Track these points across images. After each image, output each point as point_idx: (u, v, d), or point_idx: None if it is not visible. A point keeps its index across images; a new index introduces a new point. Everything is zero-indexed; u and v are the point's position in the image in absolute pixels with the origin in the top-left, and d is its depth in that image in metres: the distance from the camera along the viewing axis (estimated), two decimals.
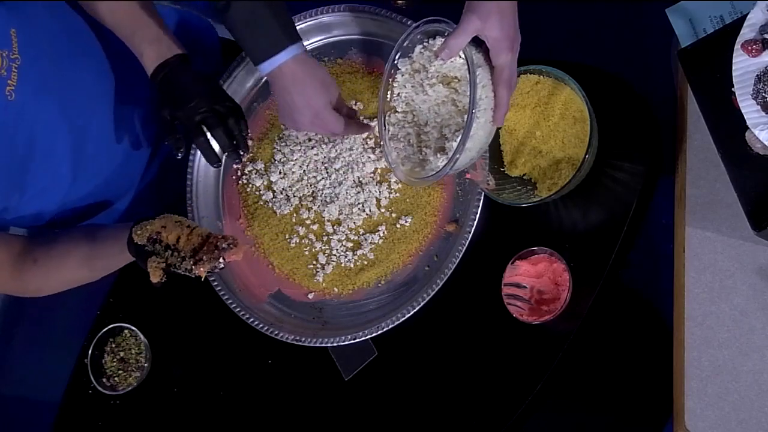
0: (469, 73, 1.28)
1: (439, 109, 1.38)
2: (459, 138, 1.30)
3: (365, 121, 1.56)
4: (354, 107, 1.57)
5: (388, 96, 1.42)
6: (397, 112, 1.42)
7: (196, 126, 1.45)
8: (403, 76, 1.40)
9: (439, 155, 1.37)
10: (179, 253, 1.40)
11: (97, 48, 1.54)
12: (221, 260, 1.38)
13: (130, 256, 1.46)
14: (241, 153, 1.48)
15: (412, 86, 1.40)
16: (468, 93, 1.28)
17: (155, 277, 1.41)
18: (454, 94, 1.37)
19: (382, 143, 1.43)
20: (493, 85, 1.30)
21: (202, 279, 1.40)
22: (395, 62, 1.40)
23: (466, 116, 1.30)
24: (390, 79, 1.41)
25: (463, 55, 1.30)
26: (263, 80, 1.68)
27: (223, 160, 1.53)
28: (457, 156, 1.29)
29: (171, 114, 1.46)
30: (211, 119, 1.44)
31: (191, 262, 1.39)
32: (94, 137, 1.55)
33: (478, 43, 1.30)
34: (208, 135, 1.46)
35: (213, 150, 1.47)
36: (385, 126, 1.43)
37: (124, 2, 1.48)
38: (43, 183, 1.52)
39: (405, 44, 1.38)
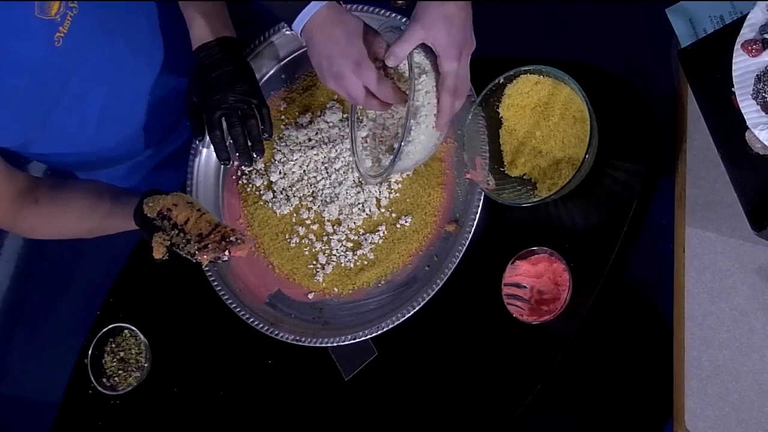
0: (410, 79, 1.29)
1: (396, 108, 1.39)
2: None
3: (327, 115, 1.51)
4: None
5: None
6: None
7: (215, 120, 1.45)
8: None
9: (388, 155, 1.38)
10: (185, 235, 1.40)
11: (154, 11, 1.56)
12: (226, 253, 1.38)
13: (133, 224, 1.46)
14: (255, 156, 1.47)
15: None
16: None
17: (158, 252, 1.40)
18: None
19: (351, 136, 1.43)
20: (437, 92, 1.31)
21: (203, 266, 1.39)
22: None
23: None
24: None
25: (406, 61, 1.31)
26: (263, 81, 1.68)
27: (232, 160, 1.53)
28: (397, 160, 1.31)
29: (197, 99, 1.46)
30: (232, 117, 1.44)
31: (196, 247, 1.39)
32: (127, 95, 1.57)
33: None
34: (226, 130, 1.46)
35: (225, 147, 1.47)
36: (355, 119, 1.43)
37: None
38: (68, 126, 1.52)
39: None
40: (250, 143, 1.50)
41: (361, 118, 1.45)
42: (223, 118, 1.47)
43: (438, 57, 1.30)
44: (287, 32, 1.65)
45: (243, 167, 1.59)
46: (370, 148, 1.44)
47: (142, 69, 1.57)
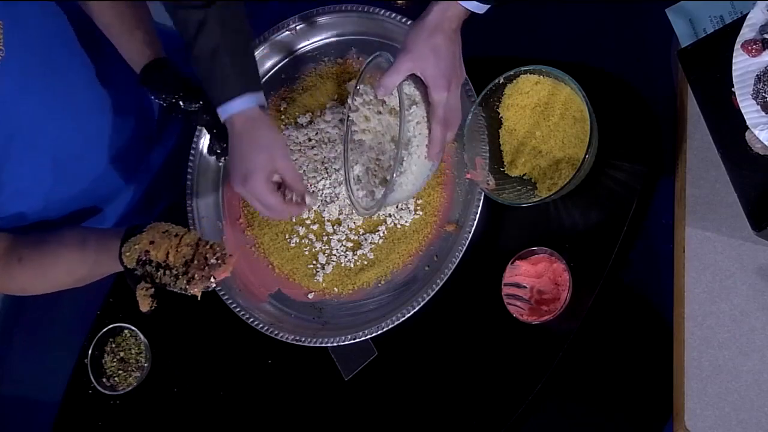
0: (400, 110, 1.30)
1: (389, 141, 1.42)
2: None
3: (308, 199, 1.47)
4: (308, 192, 1.47)
5: (352, 118, 1.44)
6: (355, 137, 1.44)
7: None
8: (362, 102, 1.42)
9: (381, 187, 1.39)
10: (171, 271, 1.38)
11: (88, 52, 1.54)
12: (212, 279, 1.37)
13: (120, 266, 1.45)
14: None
15: (365, 115, 1.43)
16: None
17: (144, 306, 1.39)
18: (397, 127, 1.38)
19: (344, 171, 1.45)
20: (428, 123, 1.32)
21: (198, 299, 1.37)
22: (357, 88, 1.41)
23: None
24: (353, 103, 1.43)
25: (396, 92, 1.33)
26: (263, 80, 1.68)
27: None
28: (389, 192, 1.32)
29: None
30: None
31: (185, 281, 1.37)
32: (78, 139, 1.54)
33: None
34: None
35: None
36: (348, 155, 1.45)
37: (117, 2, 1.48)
38: (22, 182, 1.50)
39: (366, 75, 1.41)
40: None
41: (353, 150, 1.46)
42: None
43: (428, 88, 1.31)
44: (287, 32, 1.65)
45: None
46: (364, 181, 1.45)
47: (85, 109, 1.54)
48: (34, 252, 1.51)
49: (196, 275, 1.37)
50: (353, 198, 1.43)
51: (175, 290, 1.39)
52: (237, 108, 1.38)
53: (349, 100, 1.43)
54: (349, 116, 1.44)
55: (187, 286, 1.37)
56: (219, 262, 1.37)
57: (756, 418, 1.27)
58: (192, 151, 1.66)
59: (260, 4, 1.55)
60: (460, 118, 1.37)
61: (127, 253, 1.41)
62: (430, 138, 1.33)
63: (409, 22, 1.55)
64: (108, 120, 1.58)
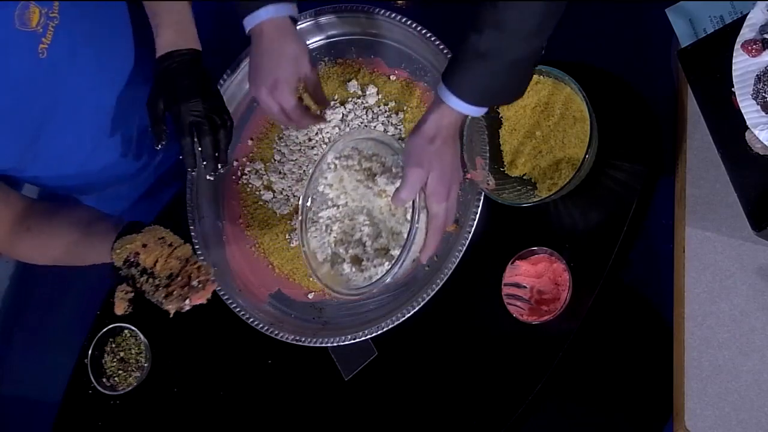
0: (411, 220, 1.34)
1: (362, 222, 1.47)
2: (387, 265, 1.39)
3: (328, 115, 1.57)
4: (327, 103, 1.56)
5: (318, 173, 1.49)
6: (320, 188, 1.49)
7: (187, 126, 1.43)
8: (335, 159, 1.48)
9: (354, 267, 1.44)
10: (154, 280, 1.36)
11: (135, 24, 1.55)
12: (187, 302, 1.35)
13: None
14: (220, 167, 1.46)
15: (342, 177, 1.48)
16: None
17: (119, 308, 1.37)
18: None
19: (300, 221, 1.49)
20: (427, 228, 1.36)
21: (170, 316, 1.36)
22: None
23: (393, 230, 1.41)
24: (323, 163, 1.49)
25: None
26: None
27: (198, 167, 1.49)
28: (380, 283, 1.38)
29: (166, 106, 1.44)
30: (204, 125, 1.43)
31: (163, 294, 1.35)
32: (118, 108, 1.55)
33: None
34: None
35: (194, 154, 1.45)
36: (307, 206, 1.50)
37: None
38: (63, 145, 1.51)
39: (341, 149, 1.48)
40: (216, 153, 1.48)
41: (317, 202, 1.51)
42: (194, 126, 1.45)
43: (426, 197, 1.34)
44: None
45: (209, 176, 1.52)
46: (338, 249, 1.50)
47: (132, 79, 1.55)
48: (43, 224, 1.52)
49: (174, 291, 1.35)
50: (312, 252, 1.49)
51: (151, 300, 1.37)
52: (269, 14, 1.40)
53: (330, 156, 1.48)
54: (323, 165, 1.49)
55: (163, 300, 1.35)
56: (199, 286, 1.35)
57: (756, 418, 1.27)
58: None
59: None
60: (454, 217, 1.41)
61: (118, 251, 1.40)
62: (425, 243, 1.37)
63: (409, 22, 1.55)
64: (145, 92, 1.56)
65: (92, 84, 1.48)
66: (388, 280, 1.38)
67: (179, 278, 1.36)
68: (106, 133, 1.56)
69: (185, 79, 1.45)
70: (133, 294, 1.38)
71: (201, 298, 1.36)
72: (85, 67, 1.45)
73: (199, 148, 1.45)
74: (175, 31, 1.47)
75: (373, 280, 1.42)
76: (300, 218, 1.50)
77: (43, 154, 1.50)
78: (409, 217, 1.36)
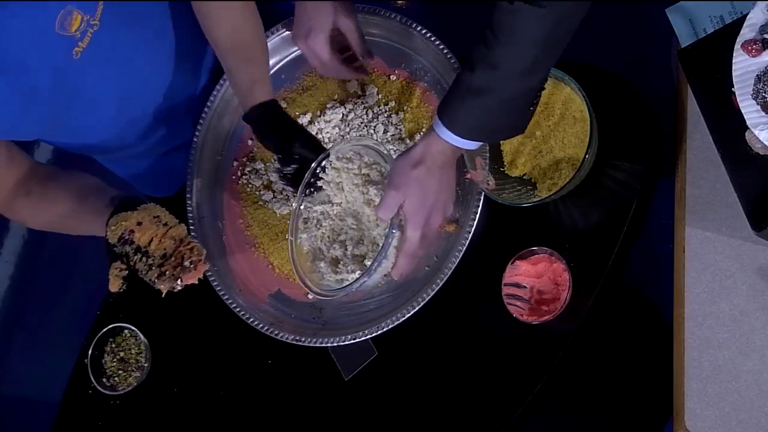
0: (387, 234, 1.36)
1: (361, 211, 1.47)
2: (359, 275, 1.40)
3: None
4: (367, 53, 1.58)
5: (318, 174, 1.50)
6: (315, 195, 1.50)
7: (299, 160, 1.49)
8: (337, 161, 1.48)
9: (330, 270, 1.45)
10: (148, 259, 1.36)
11: (171, 35, 1.58)
12: (179, 282, 1.35)
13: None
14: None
15: (337, 182, 1.49)
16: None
17: (113, 286, 1.36)
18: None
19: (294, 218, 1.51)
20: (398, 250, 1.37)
21: (162, 296, 1.36)
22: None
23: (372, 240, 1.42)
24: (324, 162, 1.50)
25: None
26: None
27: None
28: (350, 289, 1.39)
29: (288, 147, 1.49)
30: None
31: (156, 274, 1.35)
32: (141, 98, 1.58)
33: None
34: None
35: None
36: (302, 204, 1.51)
37: (248, 29, 1.53)
38: (83, 125, 1.54)
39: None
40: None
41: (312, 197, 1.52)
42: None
43: (404, 220, 1.34)
44: (287, 32, 1.65)
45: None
46: (320, 245, 1.51)
47: (156, 71, 1.59)
48: (43, 188, 1.53)
49: (167, 271, 1.35)
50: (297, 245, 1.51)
51: (144, 279, 1.37)
52: None
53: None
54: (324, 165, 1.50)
55: (156, 280, 1.35)
56: (191, 266, 1.35)
57: (756, 418, 1.27)
58: (192, 151, 1.66)
59: (261, 4, 1.55)
60: (433, 248, 1.43)
61: (113, 227, 1.38)
62: (396, 264, 1.38)
63: (408, 22, 1.55)
64: (170, 80, 1.62)
65: (117, 79, 1.51)
66: (354, 288, 1.39)
67: (173, 258, 1.35)
68: (124, 117, 1.59)
69: (294, 123, 1.53)
70: (127, 272, 1.37)
71: (192, 278, 1.36)
72: (114, 68, 1.49)
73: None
74: (268, 83, 1.54)
75: (343, 284, 1.43)
76: (295, 206, 1.51)
77: (62, 130, 1.53)
78: None
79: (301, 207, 1.51)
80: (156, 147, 1.72)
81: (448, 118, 1.25)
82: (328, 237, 1.50)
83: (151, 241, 1.36)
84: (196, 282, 1.36)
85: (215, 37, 1.53)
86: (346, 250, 1.47)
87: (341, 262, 1.47)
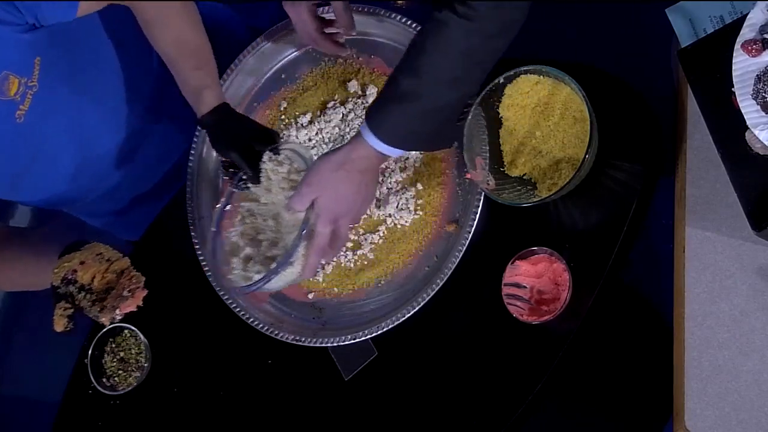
0: (300, 228, 1.35)
1: (269, 215, 1.46)
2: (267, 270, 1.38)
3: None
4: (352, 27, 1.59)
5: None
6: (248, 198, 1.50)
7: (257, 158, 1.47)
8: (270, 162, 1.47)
9: (250, 266, 1.44)
10: (91, 295, 1.39)
11: (117, 70, 1.58)
12: (117, 311, 1.37)
13: None
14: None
15: (266, 187, 1.48)
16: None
17: (58, 326, 1.39)
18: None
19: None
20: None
21: (106, 327, 1.40)
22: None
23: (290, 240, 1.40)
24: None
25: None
26: (263, 81, 1.69)
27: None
28: (259, 285, 1.37)
29: (244, 149, 1.47)
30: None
31: (98, 309, 1.37)
32: (98, 149, 1.58)
33: None
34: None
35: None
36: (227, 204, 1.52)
37: (195, 35, 1.51)
38: (42, 186, 1.55)
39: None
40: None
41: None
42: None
43: (314, 215, 1.34)
44: (287, 32, 1.65)
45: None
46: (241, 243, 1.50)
47: (109, 119, 1.59)
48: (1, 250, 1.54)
49: (108, 304, 1.37)
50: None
51: (89, 315, 1.39)
52: None
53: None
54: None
55: (99, 314, 1.38)
56: (129, 294, 1.37)
57: (756, 418, 1.27)
58: (192, 153, 1.66)
59: (260, 4, 1.55)
60: (341, 249, 1.43)
61: (56, 270, 1.42)
62: (306, 262, 1.37)
63: (409, 22, 1.55)
64: (125, 122, 1.62)
65: (71, 135, 1.51)
66: (253, 288, 1.38)
67: (114, 291, 1.39)
68: (84, 173, 1.60)
69: (246, 121, 1.51)
70: (71, 310, 1.40)
71: (130, 306, 1.38)
72: (64, 123, 1.49)
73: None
74: (218, 87, 1.52)
75: (248, 283, 1.41)
76: (223, 200, 1.52)
77: (26, 188, 1.54)
78: None
79: (229, 202, 1.52)
80: (122, 191, 1.73)
81: (374, 122, 1.25)
82: (248, 234, 1.48)
83: (94, 277, 1.40)
84: (135, 309, 1.39)
85: (162, 46, 1.51)
86: (260, 250, 1.46)
87: (252, 262, 1.46)
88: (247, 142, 1.46)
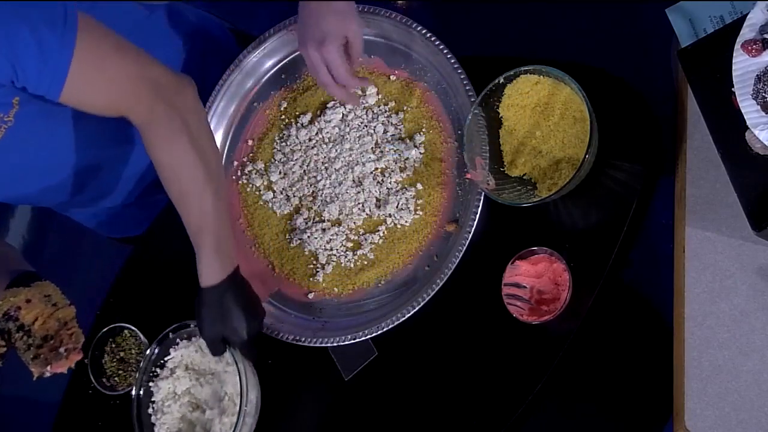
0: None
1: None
2: None
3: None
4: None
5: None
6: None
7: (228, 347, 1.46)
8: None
9: None
10: (29, 338, 1.35)
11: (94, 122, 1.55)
12: (48, 368, 1.33)
13: None
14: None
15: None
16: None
17: None
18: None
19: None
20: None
21: (34, 379, 1.35)
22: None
23: None
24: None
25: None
26: (263, 81, 1.69)
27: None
28: None
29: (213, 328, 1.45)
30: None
31: (32, 355, 1.33)
32: (78, 167, 1.58)
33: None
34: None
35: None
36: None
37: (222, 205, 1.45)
38: (9, 196, 1.57)
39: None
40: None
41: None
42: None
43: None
44: (287, 32, 1.65)
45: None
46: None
47: (79, 146, 1.56)
48: None
49: (42, 354, 1.33)
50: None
51: (21, 357, 1.35)
52: None
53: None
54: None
55: (30, 361, 1.33)
56: (64, 354, 1.33)
57: (756, 418, 1.27)
58: None
59: (260, 4, 1.55)
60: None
61: (0, 302, 1.37)
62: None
63: (409, 22, 1.55)
64: (106, 154, 1.62)
65: (40, 160, 1.50)
66: None
67: (52, 341, 1.34)
68: (63, 190, 1.60)
69: (240, 308, 1.45)
70: (5, 349, 1.36)
71: (62, 368, 1.34)
72: (37, 152, 1.48)
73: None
74: (221, 254, 1.43)
75: None
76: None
77: (11, 201, 1.58)
78: None
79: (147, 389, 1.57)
80: (115, 195, 1.73)
81: None
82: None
83: (36, 320, 1.35)
84: (65, 372, 1.35)
85: (187, 222, 1.45)
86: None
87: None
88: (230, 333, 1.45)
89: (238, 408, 1.44)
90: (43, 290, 1.39)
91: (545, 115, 1.42)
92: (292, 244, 1.60)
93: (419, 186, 1.53)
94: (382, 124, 1.57)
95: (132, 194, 1.74)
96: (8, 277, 1.45)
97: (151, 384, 1.56)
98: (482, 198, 1.44)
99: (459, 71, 1.49)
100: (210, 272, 1.42)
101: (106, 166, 1.63)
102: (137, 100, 1.38)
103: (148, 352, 1.54)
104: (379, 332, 1.47)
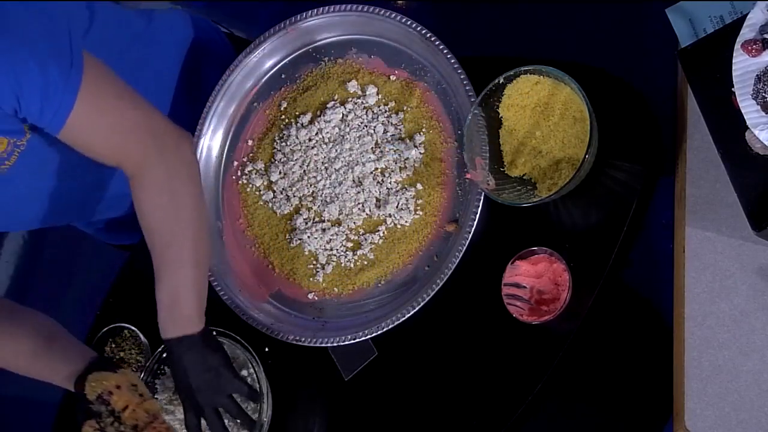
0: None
1: None
2: None
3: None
4: None
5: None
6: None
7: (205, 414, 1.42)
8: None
9: None
10: (119, 425, 1.37)
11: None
12: None
13: (71, 385, 1.43)
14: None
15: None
16: None
17: None
18: None
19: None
20: None
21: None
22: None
23: None
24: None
25: None
26: (263, 80, 1.69)
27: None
28: None
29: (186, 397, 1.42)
30: (211, 416, 1.42)
31: None
32: (86, 184, 1.59)
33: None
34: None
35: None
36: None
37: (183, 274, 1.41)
38: (12, 221, 1.57)
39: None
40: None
41: None
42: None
43: None
44: (287, 32, 1.65)
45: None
46: None
47: (89, 169, 1.55)
48: (3, 325, 1.50)
49: None
50: None
51: None
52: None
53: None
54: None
55: None
56: None
57: (756, 418, 1.27)
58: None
59: (260, 4, 1.55)
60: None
61: (93, 383, 1.38)
62: None
63: (409, 22, 1.55)
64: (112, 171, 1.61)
65: (48, 183, 1.51)
66: None
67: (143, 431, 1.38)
68: (69, 212, 1.63)
69: (190, 367, 1.40)
70: (100, 431, 1.38)
71: None
72: (44, 179, 1.49)
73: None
74: (199, 308, 1.41)
75: None
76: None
77: (9, 224, 1.58)
78: None
79: None
80: (121, 204, 1.73)
81: None
82: None
83: (126, 407, 1.38)
84: None
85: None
86: None
87: None
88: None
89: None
90: (129, 379, 1.41)
91: (545, 115, 1.42)
92: (292, 244, 1.60)
93: (419, 186, 1.53)
94: (382, 124, 1.57)
95: (132, 207, 1.75)
96: (81, 359, 1.44)
97: (157, 381, 1.56)
98: (482, 198, 1.44)
99: (459, 71, 1.49)
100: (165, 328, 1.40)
101: (111, 185, 1.63)
102: (135, 147, 1.37)
103: (156, 352, 1.54)
104: (379, 332, 1.47)
